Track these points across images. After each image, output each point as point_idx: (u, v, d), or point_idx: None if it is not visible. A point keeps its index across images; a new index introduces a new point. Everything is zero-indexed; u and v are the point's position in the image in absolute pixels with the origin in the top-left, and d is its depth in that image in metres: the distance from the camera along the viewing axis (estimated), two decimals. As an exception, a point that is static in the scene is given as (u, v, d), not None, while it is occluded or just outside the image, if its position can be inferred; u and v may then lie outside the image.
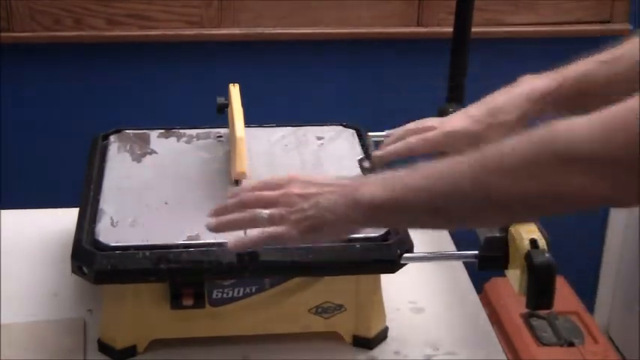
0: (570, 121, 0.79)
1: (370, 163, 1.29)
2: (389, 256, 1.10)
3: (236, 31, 2.17)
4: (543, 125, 0.80)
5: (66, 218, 1.29)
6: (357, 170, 1.27)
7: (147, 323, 1.14)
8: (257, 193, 1.03)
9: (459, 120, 1.14)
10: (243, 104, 1.25)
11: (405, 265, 1.11)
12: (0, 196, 2.18)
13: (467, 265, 1.34)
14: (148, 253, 1.07)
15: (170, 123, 1.40)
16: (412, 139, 1.16)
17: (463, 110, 1.16)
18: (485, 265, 1.11)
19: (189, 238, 1.10)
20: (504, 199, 0.84)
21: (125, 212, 1.15)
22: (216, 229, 1.04)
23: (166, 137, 1.36)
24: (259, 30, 2.17)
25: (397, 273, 1.12)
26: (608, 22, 2.24)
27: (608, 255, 2.57)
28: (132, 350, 1.15)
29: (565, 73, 1.10)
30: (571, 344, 2.13)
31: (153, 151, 1.31)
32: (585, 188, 0.78)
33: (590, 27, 2.22)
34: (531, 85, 1.10)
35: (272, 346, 1.18)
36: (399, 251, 1.10)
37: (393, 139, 1.21)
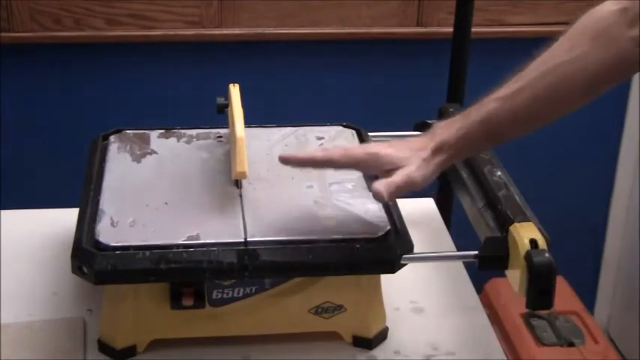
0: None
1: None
2: (389, 256, 1.10)
3: (236, 31, 2.17)
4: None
5: (66, 218, 1.29)
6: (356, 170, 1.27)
7: (147, 323, 1.14)
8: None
9: (393, 148, 1.14)
10: (243, 104, 1.25)
11: (405, 265, 1.11)
12: (0, 196, 2.18)
13: (467, 265, 1.34)
14: (148, 253, 1.07)
15: (170, 123, 1.40)
16: (337, 150, 1.15)
17: (405, 141, 1.17)
18: (485, 265, 1.11)
19: (189, 238, 1.10)
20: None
21: (125, 212, 1.15)
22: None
23: (166, 137, 1.36)
24: (259, 30, 2.17)
25: (397, 273, 1.12)
26: (609, 22, 2.23)
27: (608, 255, 2.57)
28: (132, 350, 1.15)
29: (471, 117, 1.12)
30: (571, 344, 2.13)
31: (153, 151, 1.31)
32: None
33: (591, 27, 2.22)
34: (441, 138, 1.13)
35: (272, 346, 1.18)
36: (399, 251, 1.10)
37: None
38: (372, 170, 1.15)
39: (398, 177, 1.10)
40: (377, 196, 1.09)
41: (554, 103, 1.09)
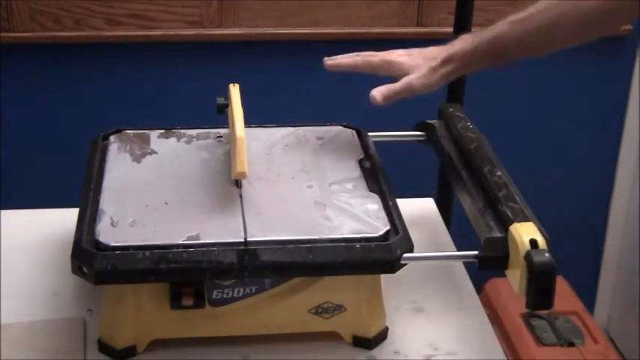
0: None
1: (370, 163, 1.29)
2: (389, 256, 1.10)
3: (236, 31, 2.17)
4: None
5: (66, 218, 1.29)
6: (357, 170, 1.27)
7: (147, 323, 1.14)
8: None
9: (408, 56, 1.27)
10: (243, 104, 1.25)
11: (405, 265, 1.11)
12: (0, 196, 2.18)
13: (467, 265, 1.34)
14: (148, 253, 1.07)
15: (170, 123, 1.40)
16: (358, 57, 1.30)
17: (424, 49, 1.28)
18: (486, 265, 1.11)
19: (189, 238, 1.10)
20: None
21: (125, 212, 1.15)
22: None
23: (166, 137, 1.36)
24: (259, 30, 2.17)
25: (397, 273, 1.12)
26: (608, 22, 2.23)
27: (608, 255, 2.57)
28: (132, 350, 1.15)
29: (483, 35, 1.23)
30: (571, 344, 2.13)
31: (153, 151, 1.31)
32: None
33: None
34: (454, 49, 1.23)
35: (272, 346, 1.18)
36: (399, 251, 1.10)
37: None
38: (388, 75, 1.26)
39: (399, 83, 1.22)
40: (372, 100, 1.22)
41: (553, 35, 1.18)
